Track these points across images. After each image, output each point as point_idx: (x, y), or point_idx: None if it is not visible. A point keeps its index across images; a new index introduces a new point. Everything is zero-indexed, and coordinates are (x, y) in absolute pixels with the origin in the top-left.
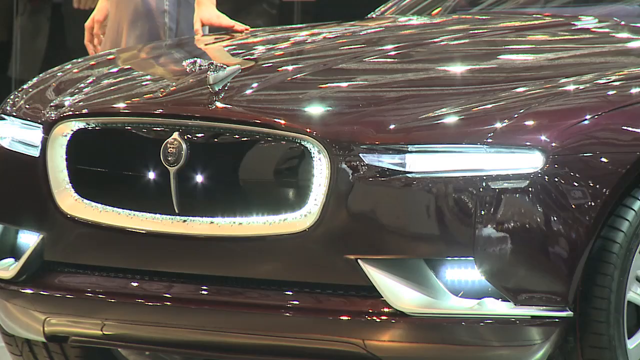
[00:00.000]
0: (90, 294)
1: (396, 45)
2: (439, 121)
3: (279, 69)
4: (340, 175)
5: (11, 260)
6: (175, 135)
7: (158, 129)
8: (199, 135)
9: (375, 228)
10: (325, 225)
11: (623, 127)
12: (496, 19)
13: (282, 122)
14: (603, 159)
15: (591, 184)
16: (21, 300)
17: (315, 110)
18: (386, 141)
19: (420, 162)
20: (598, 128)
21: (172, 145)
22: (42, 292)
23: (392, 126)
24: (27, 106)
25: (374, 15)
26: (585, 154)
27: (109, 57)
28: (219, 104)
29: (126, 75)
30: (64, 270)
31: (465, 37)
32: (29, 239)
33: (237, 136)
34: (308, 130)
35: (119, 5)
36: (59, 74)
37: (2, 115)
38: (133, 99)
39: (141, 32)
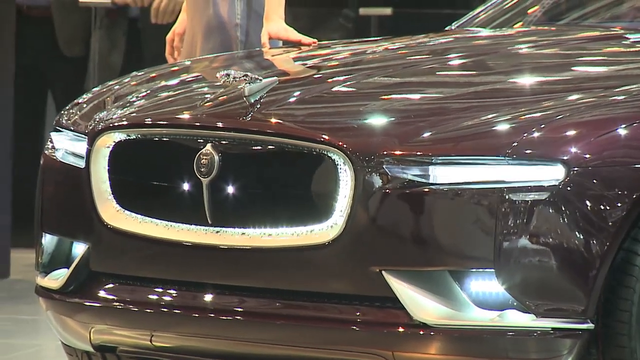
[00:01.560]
0: (132, 305)
1: (454, 56)
2: (462, 133)
3: (321, 81)
4: (365, 187)
5: (65, 270)
6: (208, 146)
7: (192, 140)
8: (231, 146)
9: (399, 240)
10: (349, 236)
11: None
12: (567, 31)
13: (308, 133)
14: (626, 172)
15: (613, 197)
16: (69, 310)
17: (341, 121)
18: (410, 153)
19: (444, 174)
20: (622, 140)
21: (205, 157)
22: (87, 302)
23: (416, 138)
24: (77, 118)
25: (449, 29)
26: (608, 166)
27: (172, 69)
28: (248, 116)
29: (178, 88)
30: (108, 280)
31: (526, 48)
32: (79, 250)
33: (265, 147)
34: (332, 141)
35: (193, 19)
36: (115, 87)
37: (57, 128)
38: (170, 111)
39: (213, 45)
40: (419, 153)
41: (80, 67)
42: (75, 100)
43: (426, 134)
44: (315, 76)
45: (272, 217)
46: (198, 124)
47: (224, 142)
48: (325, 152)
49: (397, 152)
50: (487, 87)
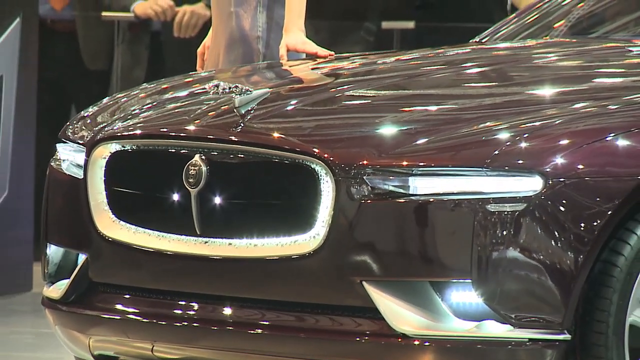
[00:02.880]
0: (128, 315)
1: (459, 68)
2: (442, 144)
3: (313, 92)
4: (345, 198)
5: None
6: (197, 157)
7: (181, 151)
8: (218, 157)
9: (379, 250)
10: (330, 247)
11: (628, 150)
12: (581, 44)
13: (291, 144)
14: (604, 183)
15: (591, 208)
16: (69, 320)
17: (325, 133)
18: (390, 164)
19: (424, 185)
20: (601, 152)
21: (193, 167)
22: (86, 312)
23: (396, 149)
24: (79, 130)
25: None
26: (586, 178)
27: (184, 81)
28: (234, 127)
29: (179, 100)
30: (106, 290)
31: (532, 60)
32: (80, 260)
33: (251, 158)
34: (314, 152)
35: (217, 31)
36: (123, 99)
37: (62, 139)
38: (162, 122)
39: (235, 57)
40: (398, 164)
41: (104, 81)
42: (81, 112)
43: (406, 145)
44: (309, 88)
45: (258, 227)
46: (186, 135)
47: (211, 153)
48: (308, 163)
49: (377, 163)
50: (478, 100)
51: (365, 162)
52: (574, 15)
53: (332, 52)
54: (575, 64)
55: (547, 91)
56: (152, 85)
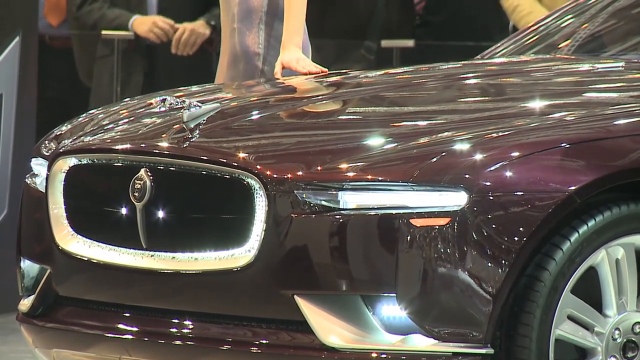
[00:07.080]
0: (85, 328)
1: (420, 83)
2: (373, 159)
3: (263, 108)
4: (277, 212)
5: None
6: (142, 171)
7: (129, 166)
8: (161, 172)
9: (309, 264)
10: (263, 261)
11: (556, 165)
12: (573, 61)
13: (227, 159)
14: (529, 199)
15: (515, 223)
16: (36, 332)
17: (263, 148)
18: (319, 178)
19: (353, 200)
20: (526, 167)
21: (138, 182)
22: (49, 325)
23: (327, 164)
24: (49, 145)
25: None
26: (510, 193)
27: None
28: (179, 142)
29: (144, 115)
30: (70, 304)
31: (498, 76)
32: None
33: (192, 173)
34: (248, 167)
35: (223, 47)
36: (100, 115)
37: (35, 154)
38: (115, 137)
39: (236, 72)
40: (328, 179)
41: (103, 98)
42: (55, 128)
43: (337, 160)
44: (263, 103)
45: (200, 241)
46: (133, 149)
47: (156, 167)
48: (243, 178)
49: (308, 178)
50: (426, 115)
51: (296, 176)
52: (580, 34)
53: (325, 69)
54: (545, 81)
55: (505, 106)
56: (134, 101)
